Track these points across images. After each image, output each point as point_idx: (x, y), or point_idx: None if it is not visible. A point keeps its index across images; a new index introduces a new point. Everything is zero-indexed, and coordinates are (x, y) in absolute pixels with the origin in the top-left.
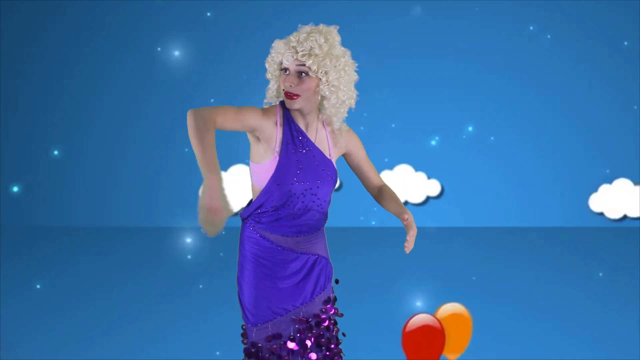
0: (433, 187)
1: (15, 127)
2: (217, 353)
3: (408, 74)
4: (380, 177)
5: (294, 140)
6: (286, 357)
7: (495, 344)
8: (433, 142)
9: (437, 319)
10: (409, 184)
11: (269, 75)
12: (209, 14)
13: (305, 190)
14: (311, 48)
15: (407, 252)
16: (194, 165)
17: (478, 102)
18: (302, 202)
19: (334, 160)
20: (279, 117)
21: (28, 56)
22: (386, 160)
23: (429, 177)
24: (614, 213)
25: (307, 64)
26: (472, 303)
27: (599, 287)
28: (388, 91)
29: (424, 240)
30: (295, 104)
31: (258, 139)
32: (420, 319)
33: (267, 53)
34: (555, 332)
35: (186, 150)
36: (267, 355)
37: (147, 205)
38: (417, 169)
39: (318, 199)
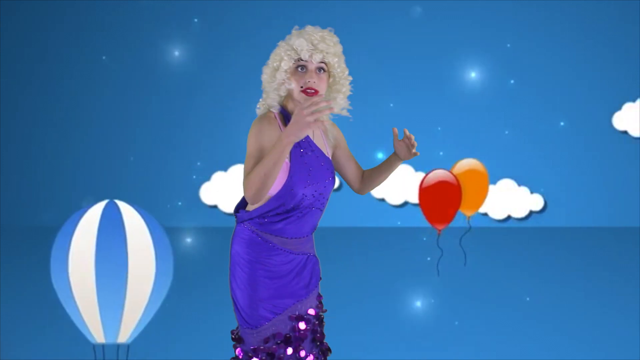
0: None
1: (15, 127)
2: (218, 353)
3: (408, 74)
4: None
5: (300, 143)
6: (282, 356)
7: (496, 344)
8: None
9: (453, 174)
10: (410, 184)
11: (282, 75)
12: (209, 14)
13: (315, 191)
14: (328, 47)
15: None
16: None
17: (478, 102)
18: (310, 202)
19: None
20: (280, 124)
21: (28, 56)
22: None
23: None
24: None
25: (332, 61)
26: (473, 302)
27: (600, 287)
28: (388, 91)
29: (424, 241)
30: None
31: None
32: (437, 174)
33: (268, 52)
34: (555, 332)
35: (186, 150)
36: (264, 357)
37: (146, 205)
38: (417, 170)
39: (323, 197)
